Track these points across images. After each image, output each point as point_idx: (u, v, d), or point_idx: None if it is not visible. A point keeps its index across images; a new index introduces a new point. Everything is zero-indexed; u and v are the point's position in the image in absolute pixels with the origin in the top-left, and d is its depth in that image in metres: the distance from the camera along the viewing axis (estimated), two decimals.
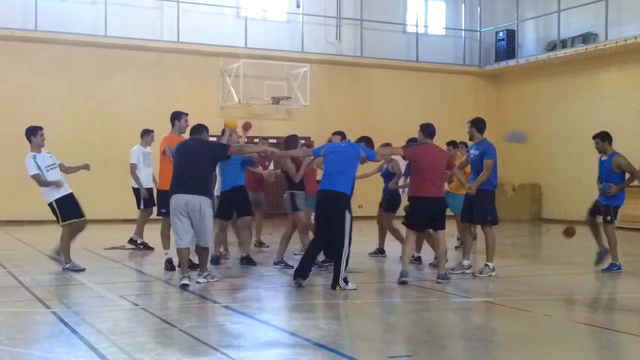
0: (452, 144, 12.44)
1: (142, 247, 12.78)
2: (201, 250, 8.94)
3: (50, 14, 18.78)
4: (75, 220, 10.19)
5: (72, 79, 19.06)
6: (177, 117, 10.29)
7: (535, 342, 6.47)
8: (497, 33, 23.71)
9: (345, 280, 8.63)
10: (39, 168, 10.04)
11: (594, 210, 10.67)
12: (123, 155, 17.70)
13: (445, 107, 22.86)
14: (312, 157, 10.14)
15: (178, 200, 8.65)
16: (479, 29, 24.27)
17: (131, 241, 12.87)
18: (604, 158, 10.63)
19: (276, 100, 20.42)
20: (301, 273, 8.88)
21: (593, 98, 20.62)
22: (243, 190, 10.70)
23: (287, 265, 10.33)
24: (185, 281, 8.69)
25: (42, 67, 18.74)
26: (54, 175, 10.11)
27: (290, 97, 20.54)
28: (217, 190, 11.29)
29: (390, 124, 20.96)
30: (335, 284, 8.64)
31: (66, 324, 6.72)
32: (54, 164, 10.22)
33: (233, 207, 10.67)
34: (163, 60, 19.77)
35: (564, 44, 21.32)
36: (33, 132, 10.17)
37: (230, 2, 21.11)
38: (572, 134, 20.64)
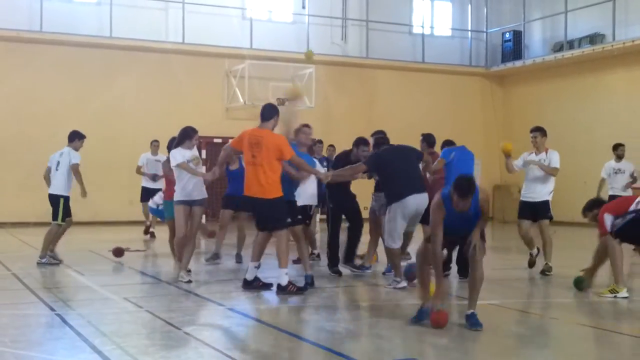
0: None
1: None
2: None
3: (56, 15, 18.81)
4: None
5: (78, 80, 19.07)
6: (277, 112, 8.86)
7: (542, 344, 6.41)
8: (503, 34, 23.65)
9: None
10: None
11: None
12: (128, 156, 17.77)
13: (451, 109, 22.82)
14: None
15: (415, 200, 8.67)
16: (485, 30, 24.21)
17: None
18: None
19: (281, 102, 20.34)
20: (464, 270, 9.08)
21: (600, 99, 20.54)
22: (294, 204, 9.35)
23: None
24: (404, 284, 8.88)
25: (48, 68, 18.76)
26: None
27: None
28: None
29: (396, 125, 20.80)
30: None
31: (70, 326, 6.69)
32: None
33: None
34: (168, 61, 19.76)
35: (571, 44, 21.25)
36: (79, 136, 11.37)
37: (236, 3, 21.10)
38: (579, 135, 20.56)
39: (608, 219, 8.52)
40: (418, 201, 8.72)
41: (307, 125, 9.91)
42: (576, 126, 20.95)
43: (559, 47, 21.78)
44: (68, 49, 18.86)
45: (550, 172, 10.19)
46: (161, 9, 20.28)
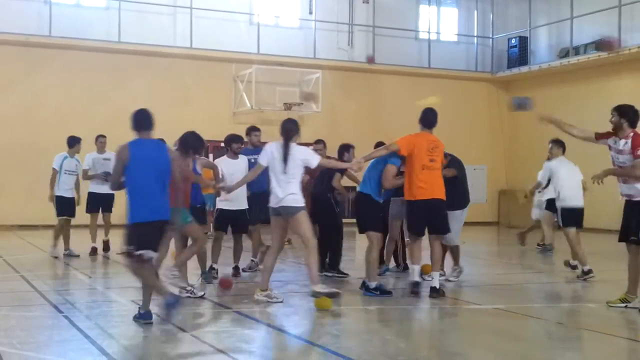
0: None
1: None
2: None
3: (65, 20, 18.95)
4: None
5: (86, 84, 19.17)
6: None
7: (549, 349, 6.45)
8: (509, 40, 23.69)
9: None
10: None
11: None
12: None
13: (457, 114, 22.85)
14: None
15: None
16: (491, 36, 24.25)
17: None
18: None
19: (288, 106, 20.46)
20: None
21: (606, 105, 20.17)
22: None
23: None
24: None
25: (57, 72, 18.85)
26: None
27: (302, 103, 20.58)
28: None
29: (402, 130, 20.70)
30: None
31: (78, 329, 6.75)
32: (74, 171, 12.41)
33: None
34: (176, 66, 19.86)
35: (576, 50, 21.27)
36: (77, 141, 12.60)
37: (243, 8, 21.21)
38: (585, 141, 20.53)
39: None
40: None
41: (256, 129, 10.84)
42: None
43: (564, 53, 21.80)
44: (77, 53, 18.99)
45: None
46: (169, 14, 20.41)
